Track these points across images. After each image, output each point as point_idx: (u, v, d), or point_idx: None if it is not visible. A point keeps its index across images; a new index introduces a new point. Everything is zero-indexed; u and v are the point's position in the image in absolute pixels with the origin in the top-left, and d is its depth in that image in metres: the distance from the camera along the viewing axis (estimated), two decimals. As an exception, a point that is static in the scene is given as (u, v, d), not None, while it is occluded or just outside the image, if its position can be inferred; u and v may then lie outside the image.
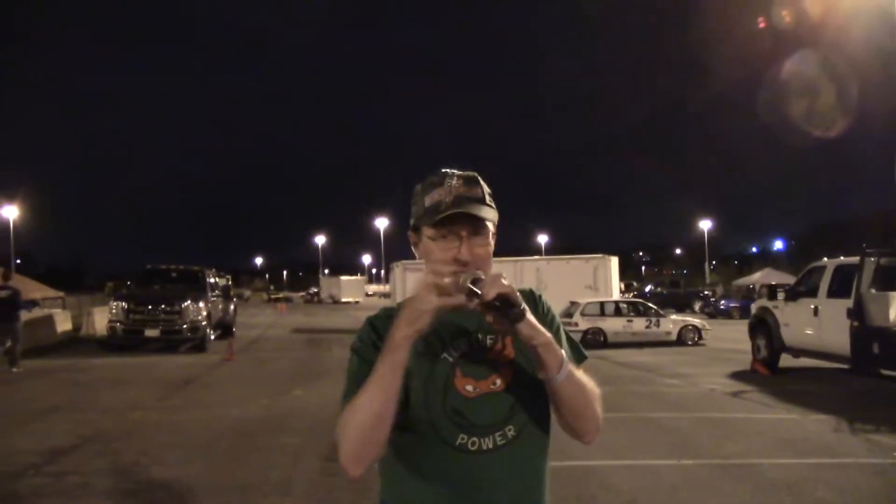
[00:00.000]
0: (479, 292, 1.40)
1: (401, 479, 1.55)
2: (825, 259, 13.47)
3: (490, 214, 1.57)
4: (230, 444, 7.49)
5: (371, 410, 1.39)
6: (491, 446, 1.52)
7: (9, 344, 13.68)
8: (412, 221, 1.63)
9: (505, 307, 1.41)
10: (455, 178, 1.57)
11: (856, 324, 11.00)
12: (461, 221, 1.52)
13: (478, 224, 1.54)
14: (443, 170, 1.61)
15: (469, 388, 1.54)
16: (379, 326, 1.59)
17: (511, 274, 25.58)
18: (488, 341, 1.60)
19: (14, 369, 13.38)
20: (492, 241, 1.60)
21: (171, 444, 7.38)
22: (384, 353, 1.42)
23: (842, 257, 12.79)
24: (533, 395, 1.58)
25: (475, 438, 1.52)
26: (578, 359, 1.70)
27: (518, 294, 1.45)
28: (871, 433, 8.00)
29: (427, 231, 1.56)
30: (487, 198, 1.59)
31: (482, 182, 1.62)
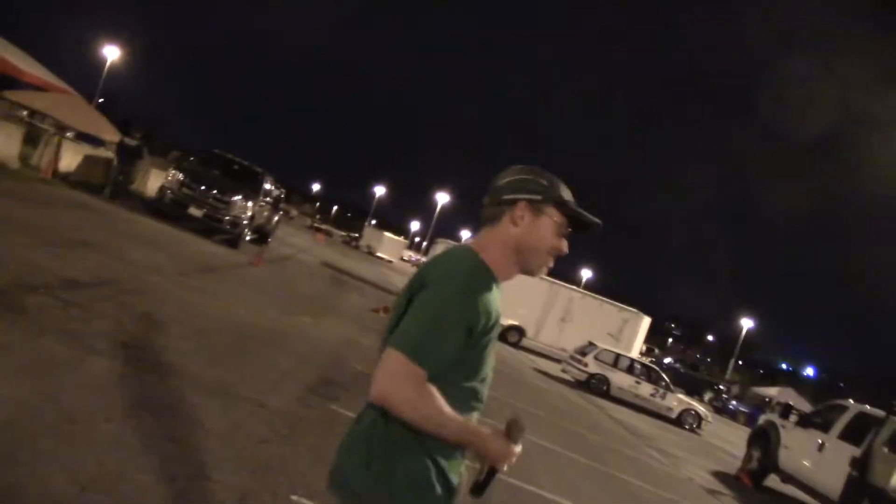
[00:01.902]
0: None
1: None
2: (850, 400, 13.13)
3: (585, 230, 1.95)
4: (226, 340, 7.62)
5: (432, 432, 1.71)
6: (478, 417, 1.92)
7: (121, 178, 18.37)
8: (540, 197, 1.84)
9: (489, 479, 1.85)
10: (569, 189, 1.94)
11: (856, 474, 10.72)
12: (576, 226, 1.89)
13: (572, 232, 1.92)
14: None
15: (491, 359, 1.90)
16: (494, 310, 1.81)
17: (545, 294, 25.49)
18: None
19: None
20: None
21: (173, 317, 7.53)
22: (472, 437, 1.76)
23: (867, 406, 12.46)
24: None
25: (480, 411, 1.91)
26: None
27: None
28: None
29: (556, 215, 1.85)
30: None
31: None
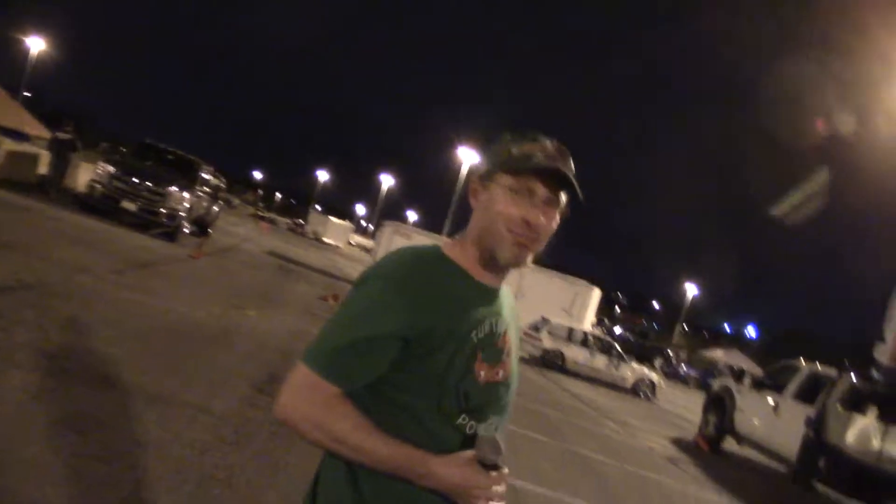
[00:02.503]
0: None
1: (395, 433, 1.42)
2: (801, 360, 13.28)
3: (578, 190, 1.46)
4: (166, 341, 7.17)
5: (354, 459, 1.37)
6: (478, 433, 1.47)
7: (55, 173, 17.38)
8: (485, 169, 1.49)
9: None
10: (549, 141, 1.47)
11: (811, 434, 10.82)
12: (547, 181, 1.43)
13: (556, 193, 1.45)
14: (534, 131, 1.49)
15: (482, 373, 1.44)
16: (422, 299, 1.40)
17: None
18: (501, 328, 1.49)
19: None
20: (558, 220, 1.50)
21: (105, 320, 7.04)
22: (408, 463, 1.36)
23: (819, 364, 12.60)
24: (513, 393, 1.56)
25: (472, 423, 1.44)
26: None
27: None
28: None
29: (505, 179, 1.44)
30: (574, 176, 1.47)
31: (571, 159, 1.50)
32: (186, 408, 5.23)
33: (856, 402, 10.90)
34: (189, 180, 17.66)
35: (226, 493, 4.00)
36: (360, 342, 1.34)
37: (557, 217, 1.48)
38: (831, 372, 11.50)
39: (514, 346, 1.54)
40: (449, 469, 1.35)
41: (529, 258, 1.45)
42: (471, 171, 1.56)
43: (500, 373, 1.49)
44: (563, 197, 1.47)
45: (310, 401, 1.34)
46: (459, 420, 1.42)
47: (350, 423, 1.34)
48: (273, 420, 5.66)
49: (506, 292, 1.56)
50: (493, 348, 1.46)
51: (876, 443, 10.33)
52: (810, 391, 11.63)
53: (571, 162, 1.48)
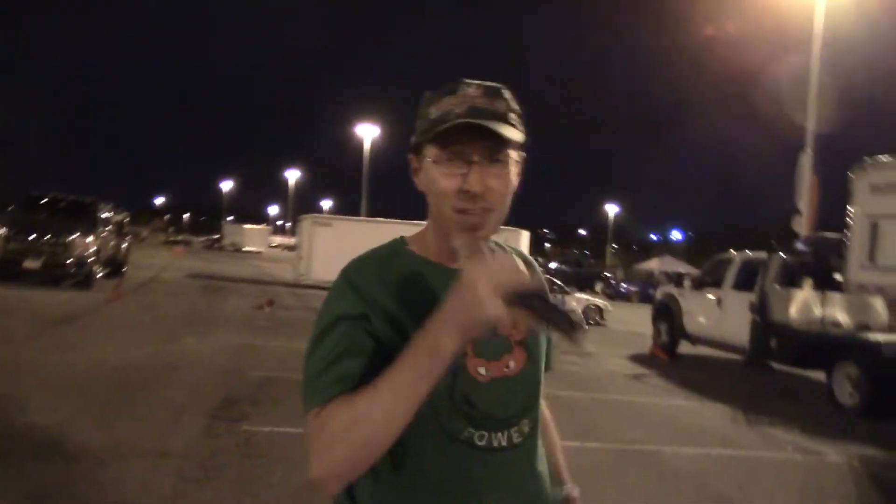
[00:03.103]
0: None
1: (388, 476, 1.17)
2: (733, 251, 13.69)
3: (511, 134, 1.16)
4: (106, 393, 6.81)
5: (391, 425, 1.03)
6: (505, 444, 1.20)
7: None
8: (414, 142, 1.24)
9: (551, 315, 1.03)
10: (473, 86, 1.20)
11: (757, 318, 11.20)
12: (472, 139, 1.14)
13: (495, 146, 1.16)
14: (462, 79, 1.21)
15: (482, 370, 1.19)
16: (368, 287, 1.18)
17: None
18: None
19: None
20: (513, 174, 1.20)
21: (38, 388, 6.64)
22: (418, 356, 1.03)
23: (749, 252, 13.01)
24: (541, 385, 1.29)
25: (484, 433, 1.19)
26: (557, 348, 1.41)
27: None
28: (766, 426, 8.09)
29: (430, 151, 1.19)
30: (512, 116, 1.20)
31: (509, 96, 1.21)
32: (144, 457, 4.98)
33: (790, 279, 11.33)
34: (89, 224, 16.84)
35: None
36: (341, 345, 1.13)
37: (511, 169, 1.20)
38: (762, 256, 11.87)
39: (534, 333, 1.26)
40: (457, 304, 1.03)
41: (491, 231, 1.20)
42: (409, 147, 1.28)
43: (511, 363, 1.23)
44: (506, 140, 1.17)
45: (317, 437, 1.07)
46: (465, 434, 1.17)
47: (353, 401, 1.05)
48: (241, 443, 5.47)
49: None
50: (491, 339, 1.18)
51: (817, 311, 10.77)
52: (747, 279, 12.01)
53: (507, 98, 1.21)
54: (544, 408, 1.41)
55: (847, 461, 6.73)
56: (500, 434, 1.20)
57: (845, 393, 9.22)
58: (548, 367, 1.37)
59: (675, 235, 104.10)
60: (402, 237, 1.28)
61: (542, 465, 1.31)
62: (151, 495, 4.27)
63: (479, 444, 1.18)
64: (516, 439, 1.22)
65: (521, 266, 1.23)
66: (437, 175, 1.18)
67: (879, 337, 9.41)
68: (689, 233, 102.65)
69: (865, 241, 9.30)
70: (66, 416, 5.76)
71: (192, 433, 5.66)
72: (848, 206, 9.85)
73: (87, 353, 8.68)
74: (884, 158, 9.42)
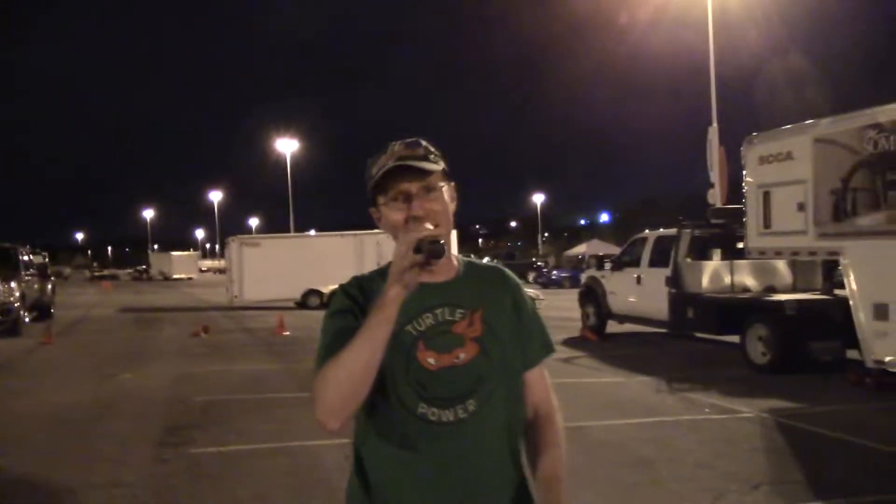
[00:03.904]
0: (442, 250, 1.42)
1: (374, 443, 1.56)
2: (647, 231, 14.41)
3: (432, 166, 1.57)
4: (49, 435, 6.90)
5: (359, 363, 1.39)
6: (451, 419, 1.52)
7: None
8: (367, 197, 1.62)
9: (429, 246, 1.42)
10: (398, 144, 1.61)
11: (673, 291, 11.88)
12: (407, 179, 1.54)
13: (424, 178, 1.55)
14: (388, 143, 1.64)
15: (431, 360, 1.53)
16: (354, 293, 1.59)
17: (351, 248, 25.43)
18: (457, 316, 1.57)
19: None
20: (447, 198, 1.60)
21: (-21, 439, 6.70)
22: (375, 310, 1.41)
23: (661, 229, 13.72)
24: (500, 372, 1.58)
25: (435, 409, 1.52)
26: (547, 350, 1.73)
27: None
28: (686, 392, 8.68)
29: (380, 199, 1.58)
30: (431, 156, 1.60)
31: (425, 143, 1.63)
32: (97, 489, 5.16)
33: (701, 251, 12.06)
34: (10, 269, 16.56)
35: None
36: (334, 329, 1.51)
37: (443, 193, 1.57)
38: (673, 232, 12.56)
39: (495, 327, 1.59)
40: (394, 267, 1.42)
41: (444, 246, 1.45)
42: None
43: (462, 355, 1.54)
44: (429, 172, 1.54)
45: (315, 390, 1.43)
46: (420, 409, 1.51)
47: (332, 358, 1.41)
48: (189, 465, 5.69)
49: (470, 281, 1.63)
50: (444, 336, 1.54)
51: (728, 279, 11.51)
52: (662, 254, 12.69)
53: (425, 145, 1.60)
54: (554, 422, 1.69)
55: (757, 415, 7.33)
56: (447, 411, 1.52)
57: (758, 353, 9.91)
58: (527, 365, 1.67)
59: (604, 218, 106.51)
60: (391, 262, 1.55)
61: (497, 444, 1.57)
62: (108, 523, 4.48)
63: (431, 419, 1.52)
64: (461, 415, 1.52)
65: (481, 291, 1.64)
66: (389, 213, 1.55)
67: (781, 297, 10.16)
68: (616, 214, 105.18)
69: (759, 209, 10.02)
70: (14, 460, 5.89)
71: (142, 462, 5.85)
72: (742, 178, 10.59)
73: (25, 397, 8.69)
74: (768, 132, 10.17)
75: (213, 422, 7.29)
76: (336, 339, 1.47)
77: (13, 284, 15.98)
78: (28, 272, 18.05)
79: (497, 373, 1.57)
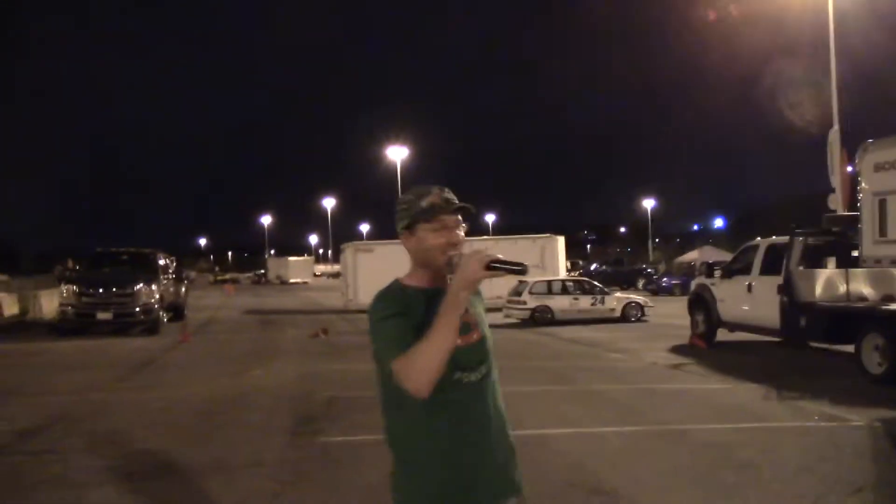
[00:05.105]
0: (526, 270, 2.08)
1: (414, 404, 2.04)
2: (758, 238, 14.23)
3: (466, 208, 2.21)
4: (197, 421, 7.77)
5: (447, 344, 1.96)
6: (474, 379, 2.15)
7: None
8: (406, 223, 2.20)
9: (508, 266, 2.04)
10: (435, 187, 2.21)
11: (785, 299, 11.75)
12: (449, 213, 2.17)
13: (463, 216, 2.21)
14: (416, 186, 2.24)
15: (459, 341, 2.06)
16: (400, 301, 2.14)
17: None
18: (466, 310, 2.16)
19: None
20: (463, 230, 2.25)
21: (138, 423, 7.61)
22: (450, 308, 1.97)
23: (774, 237, 13.55)
24: (489, 346, 2.25)
25: (463, 373, 2.12)
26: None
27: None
28: (795, 399, 8.68)
29: (425, 226, 2.15)
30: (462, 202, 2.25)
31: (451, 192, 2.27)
32: (242, 468, 5.87)
33: (815, 259, 11.88)
34: (151, 273, 18.10)
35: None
36: (397, 328, 2.05)
37: (464, 225, 2.21)
38: (785, 239, 12.40)
39: (481, 316, 2.23)
40: (463, 278, 1.99)
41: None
42: (397, 225, 2.24)
43: (475, 335, 2.17)
44: (470, 213, 2.22)
45: (405, 369, 1.97)
46: (455, 376, 2.08)
47: (415, 347, 1.97)
48: (321, 452, 6.33)
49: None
50: (462, 325, 2.05)
51: (842, 288, 11.30)
52: (774, 262, 12.55)
53: (452, 193, 2.21)
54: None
55: (868, 424, 7.31)
56: (470, 374, 2.14)
57: (873, 363, 9.73)
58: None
59: (718, 223, 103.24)
60: (396, 279, 2.22)
61: (500, 402, 2.22)
62: (257, 497, 5.14)
63: (464, 381, 2.12)
64: (476, 378, 2.15)
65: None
66: (434, 237, 2.14)
67: (900, 306, 9.93)
68: (731, 220, 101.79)
69: (875, 217, 9.83)
70: (168, 443, 6.71)
71: (278, 447, 6.55)
72: (857, 185, 10.41)
73: (171, 390, 9.68)
74: (884, 139, 9.97)
75: (338, 415, 7.95)
76: (405, 333, 2.02)
77: (154, 287, 17.47)
78: (165, 276, 19.62)
79: (488, 347, 2.21)
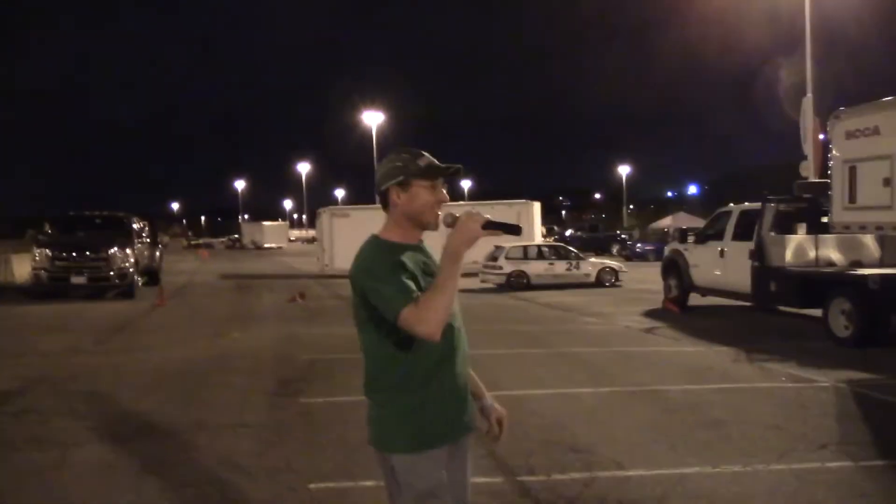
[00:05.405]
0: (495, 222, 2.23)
1: (414, 345, 2.28)
2: (731, 205, 14.45)
3: (452, 171, 2.42)
4: (177, 383, 7.82)
5: (454, 290, 2.21)
6: (457, 325, 2.42)
7: None
8: (400, 179, 2.34)
9: (504, 227, 2.25)
10: (426, 153, 2.40)
11: (756, 264, 12.01)
12: (443, 175, 2.39)
13: (449, 177, 2.42)
14: (405, 147, 2.40)
15: None
16: (393, 250, 2.32)
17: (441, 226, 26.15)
18: (433, 263, 2.40)
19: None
20: None
21: (119, 385, 7.66)
22: (453, 259, 2.19)
23: (746, 203, 13.77)
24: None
25: (453, 320, 2.37)
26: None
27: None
28: (764, 362, 8.93)
29: (421, 182, 2.33)
30: None
31: None
32: (226, 428, 5.96)
33: (785, 225, 12.12)
34: (125, 236, 17.96)
35: (290, 476, 4.77)
36: (403, 279, 2.22)
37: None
38: (757, 205, 12.62)
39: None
40: (459, 231, 2.19)
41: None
42: (382, 180, 2.37)
43: None
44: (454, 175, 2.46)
45: (416, 317, 2.15)
46: (451, 322, 2.36)
47: (426, 296, 2.18)
48: (303, 412, 6.43)
49: (425, 244, 2.46)
50: (432, 276, 2.32)
51: (812, 253, 11.56)
52: (746, 228, 12.78)
53: None
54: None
55: (833, 385, 7.57)
56: (454, 321, 2.37)
57: (840, 326, 10.02)
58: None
59: (692, 190, 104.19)
60: (375, 235, 2.39)
61: (465, 338, 2.47)
62: (241, 454, 5.24)
63: (455, 325, 2.38)
64: (458, 324, 2.42)
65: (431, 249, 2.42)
66: (425, 194, 2.33)
67: (865, 271, 10.20)
68: (705, 187, 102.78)
69: (845, 184, 10.05)
70: (152, 404, 6.77)
71: (260, 408, 6.65)
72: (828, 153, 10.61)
73: (150, 353, 9.71)
74: (855, 107, 10.15)
75: (318, 377, 8.06)
76: (409, 281, 2.21)
77: (128, 251, 17.35)
78: (139, 239, 19.46)
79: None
